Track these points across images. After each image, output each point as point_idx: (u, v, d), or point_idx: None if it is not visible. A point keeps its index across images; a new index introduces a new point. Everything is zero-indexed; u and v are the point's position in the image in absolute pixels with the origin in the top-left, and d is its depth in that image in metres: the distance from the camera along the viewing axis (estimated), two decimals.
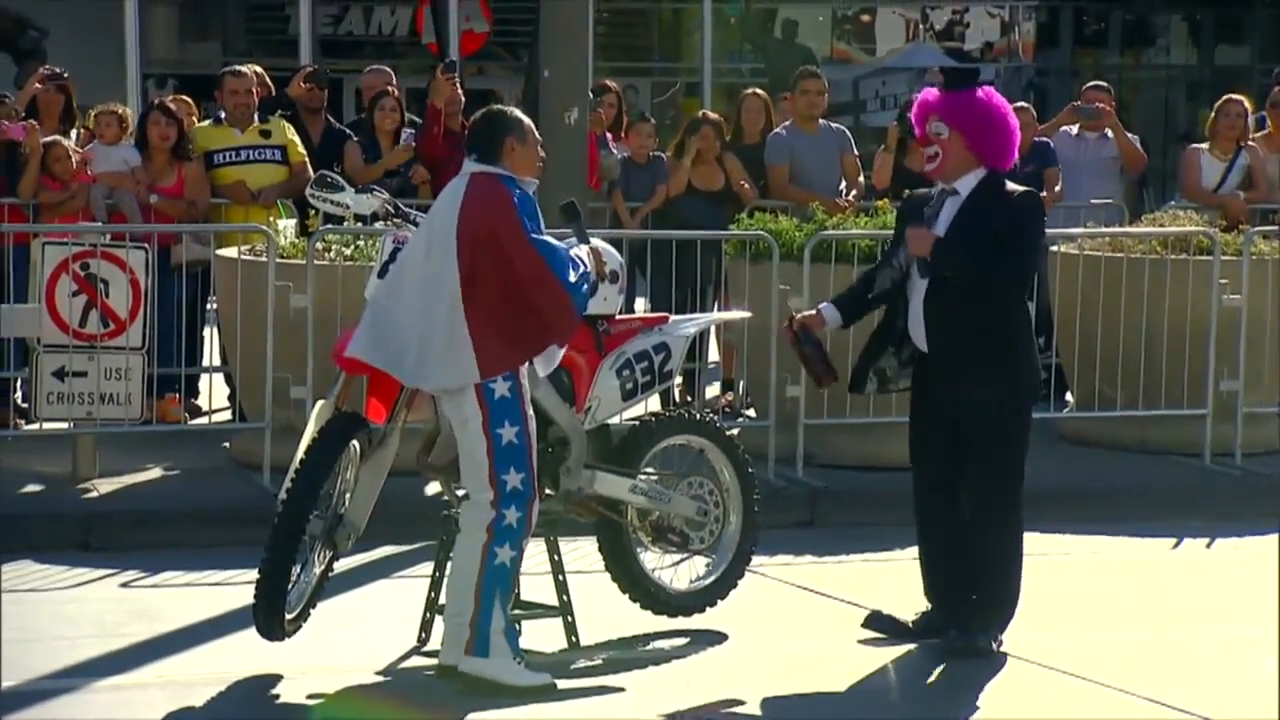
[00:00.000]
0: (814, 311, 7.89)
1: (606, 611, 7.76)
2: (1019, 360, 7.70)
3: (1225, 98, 13.49)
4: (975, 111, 7.67)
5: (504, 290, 7.12)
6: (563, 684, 7.23)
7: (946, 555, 7.78)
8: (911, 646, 7.80)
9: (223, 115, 12.25)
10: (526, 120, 7.41)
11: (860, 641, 7.84)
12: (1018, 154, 12.75)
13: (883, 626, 7.86)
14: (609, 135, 13.10)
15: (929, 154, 7.73)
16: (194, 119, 12.65)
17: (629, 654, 7.70)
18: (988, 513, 7.68)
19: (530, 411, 7.24)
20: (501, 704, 7.02)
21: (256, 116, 12.20)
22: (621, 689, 7.26)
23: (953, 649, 7.67)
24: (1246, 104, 13.37)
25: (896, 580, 7.87)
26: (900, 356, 7.77)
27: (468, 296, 7.10)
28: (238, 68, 12.55)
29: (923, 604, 7.88)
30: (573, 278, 7.18)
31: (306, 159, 12.12)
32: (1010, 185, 7.79)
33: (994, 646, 7.69)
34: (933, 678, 7.51)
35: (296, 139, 12.24)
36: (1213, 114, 13.40)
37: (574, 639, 7.64)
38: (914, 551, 7.78)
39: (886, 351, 7.79)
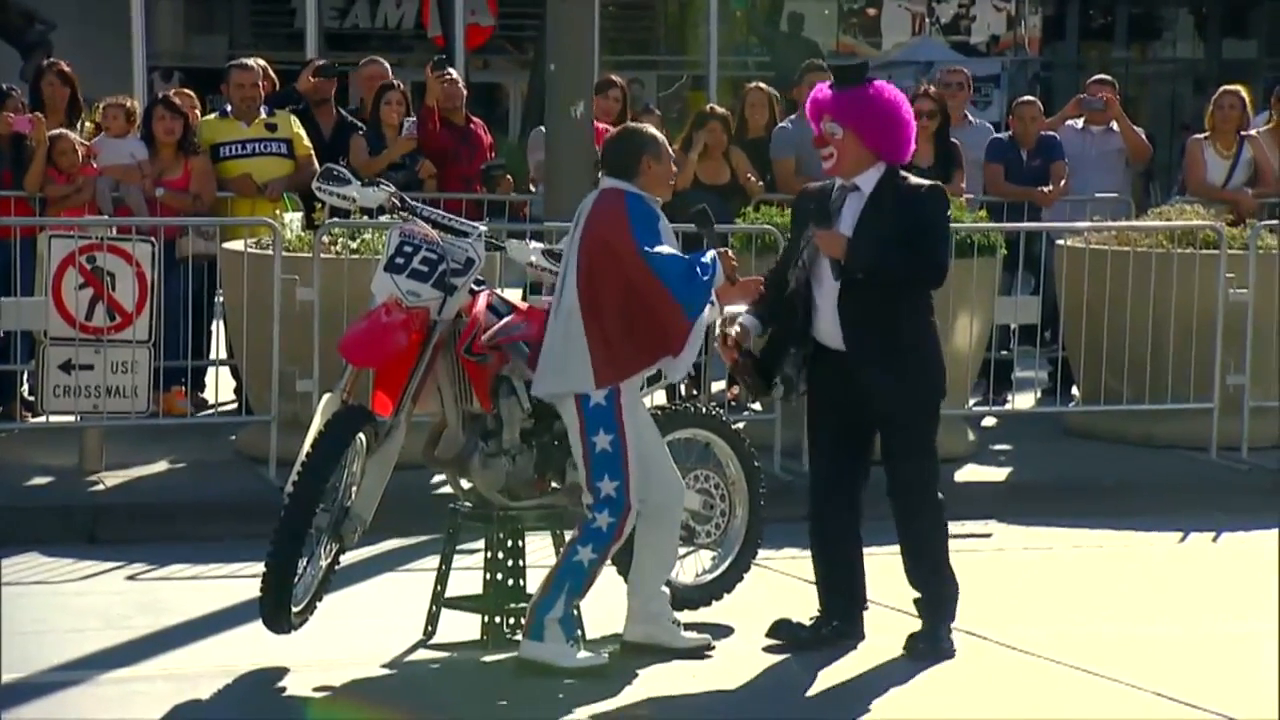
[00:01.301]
0: (739, 326, 7.69)
1: (612, 604, 7.76)
2: (931, 355, 7.69)
3: (1220, 90, 13.46)
4: (868, 108, 7.58)
5: (621, 303, 7.28)
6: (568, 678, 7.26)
7: (844, 558, 7.76)
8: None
9: (228, 108, 12.26)
10: (661, 137, 7.56)
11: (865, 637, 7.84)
12: (1025, 147, 13.01)
13: (786, 635, 7.76)
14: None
15: (825, 154, 7.64)
16: (196, 112, 12.64)
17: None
18: (917, 507, 7.67)
19: (630, 420, 7.33)
20: (510, 693, 7.02)
21: (264, 110, 12.21)
22: (627, 682, 7.26)
23: (918, 652, 7.63)
24: (1243, 94, 13.34)
25: (900, 573, 7.86)
26: (800, 356, 7.67)
27: (585, 308, 7.27)
28: (244, 61, 12.57)
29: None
30: (685, 288, 7.25)
31: (312, 152, 12.12)
32: (912, 179, 7.73)
33: (952, 641, 7.67)
34: (939, 672, 7.50)
35: (302, 132, 12.24)
36: (1210, 107, 13.37)
37: (580, 631, 7.64)
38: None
39: (788, 354, 7.66)
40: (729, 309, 7.71)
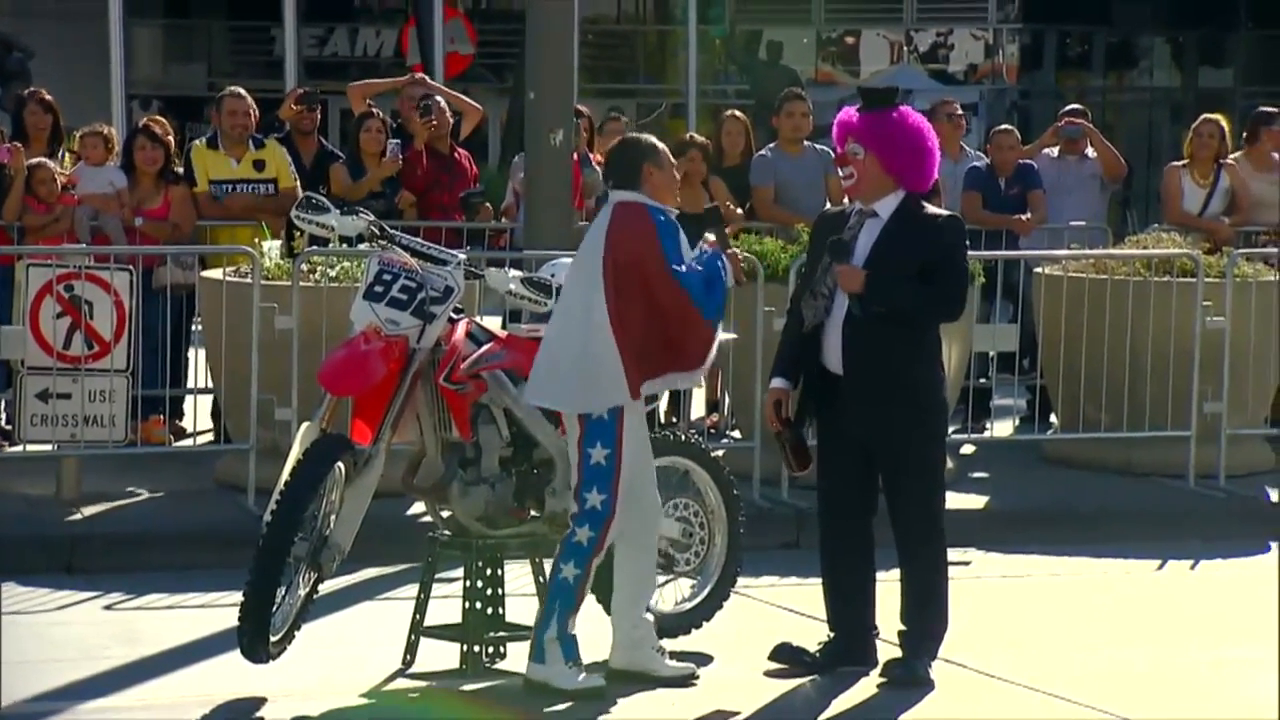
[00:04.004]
0: (774, 390, 7.69)
1: (591, 633, 7.75)
2: (934, 386, 7.68)
3: (1200, 118, 13.50)
4: (891, 133, 7.58)
5: (647, 318, 7.32)
6: (546, 708, 7.25)
7: (853, 583, 7.72)
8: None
9: (216, 134, 12.25)
10: (661, 146, 7.60)
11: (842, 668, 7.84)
12: (1002, 175, 13.05)
13: (788, 658, 7.75)
14: (591, 155, 13.12)
15: (845, 174, 7.65)
16: (171, 139, 12.60)
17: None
18: (917, 539, 7.63)
19: (629, 437, 7.38)
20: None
21: (252, 143, 12.19)
22: (607, 711, 7.25)
23: (893, 679, 7.60)
24: (1223, 122, 13.39)
25: (881, 602, 7.86)
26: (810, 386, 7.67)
27: (615, 324, 7.28)
28: (237, 89, 12.56)
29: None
30: (706, 298, 7.34)
31: (296, 184, 12.11)
32: (931, 209, 7.74)
33: (929, 672, 7.64)
34: (912, 699, 7.49)
35: (287, 161, 12.24)
36: (1189, 135, 13.42)
37: (578, 653, 7.62)
38: (896, 574, 7.78)
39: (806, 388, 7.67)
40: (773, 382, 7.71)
